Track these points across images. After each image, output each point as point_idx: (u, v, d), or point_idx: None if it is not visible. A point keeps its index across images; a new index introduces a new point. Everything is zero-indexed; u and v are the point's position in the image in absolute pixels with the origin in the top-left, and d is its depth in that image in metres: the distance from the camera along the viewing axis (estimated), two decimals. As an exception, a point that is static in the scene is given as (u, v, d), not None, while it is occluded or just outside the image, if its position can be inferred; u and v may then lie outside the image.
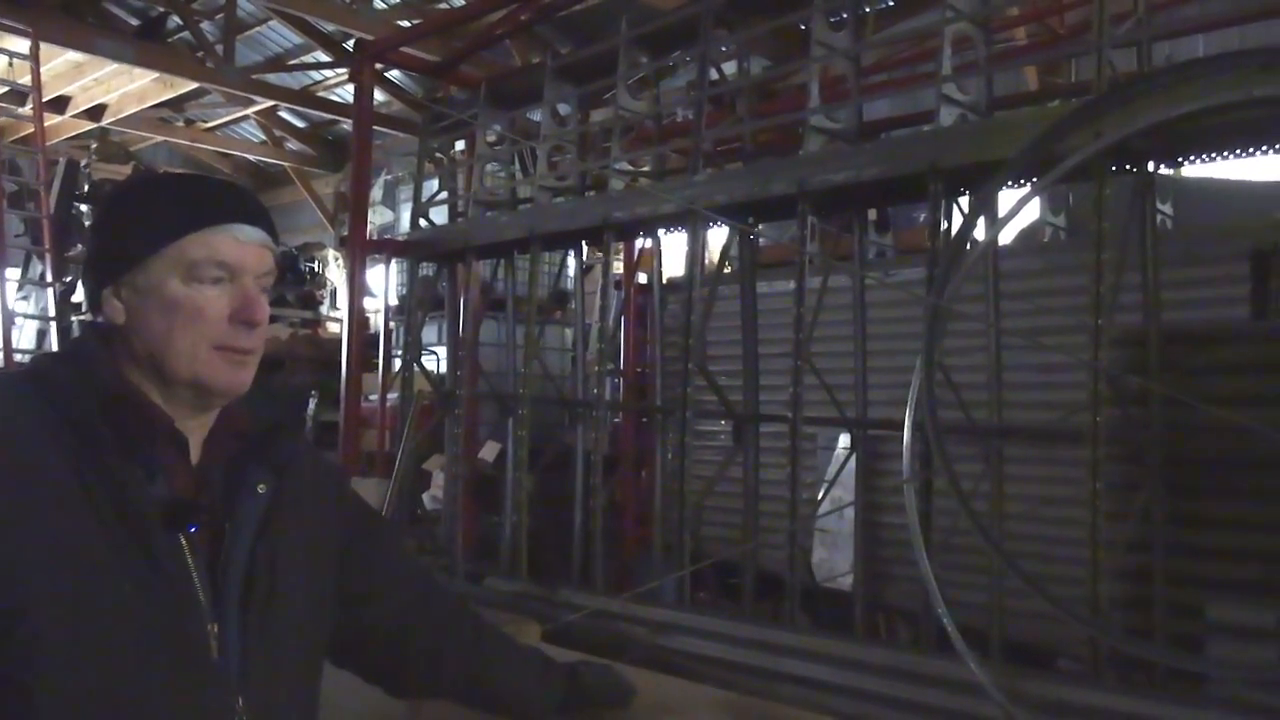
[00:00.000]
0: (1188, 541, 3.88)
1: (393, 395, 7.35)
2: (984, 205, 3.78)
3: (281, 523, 1.39)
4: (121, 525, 1.23)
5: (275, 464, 1.41)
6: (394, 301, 8.33)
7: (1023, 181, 3.84)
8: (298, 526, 1.43)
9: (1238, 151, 3.56)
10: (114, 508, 1.23)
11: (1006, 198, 3.83)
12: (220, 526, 1.34)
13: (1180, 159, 3.75)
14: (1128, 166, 3.67)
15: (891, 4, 8.31)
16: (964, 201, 4.14)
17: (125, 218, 1.36)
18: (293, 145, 15.17)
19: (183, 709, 1.26)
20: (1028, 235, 5.96)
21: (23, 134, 11.17)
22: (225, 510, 1.36)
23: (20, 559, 1.17)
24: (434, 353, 8.19)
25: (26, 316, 10.58)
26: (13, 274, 10.02)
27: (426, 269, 6.93)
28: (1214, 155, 3.62)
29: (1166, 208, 5.00)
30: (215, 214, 1.32)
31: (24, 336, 10.56)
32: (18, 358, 8.65)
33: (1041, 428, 4.11)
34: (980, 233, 3.88)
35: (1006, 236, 5.22)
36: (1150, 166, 3.65)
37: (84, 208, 11.06)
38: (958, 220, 4.01)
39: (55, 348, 9.55)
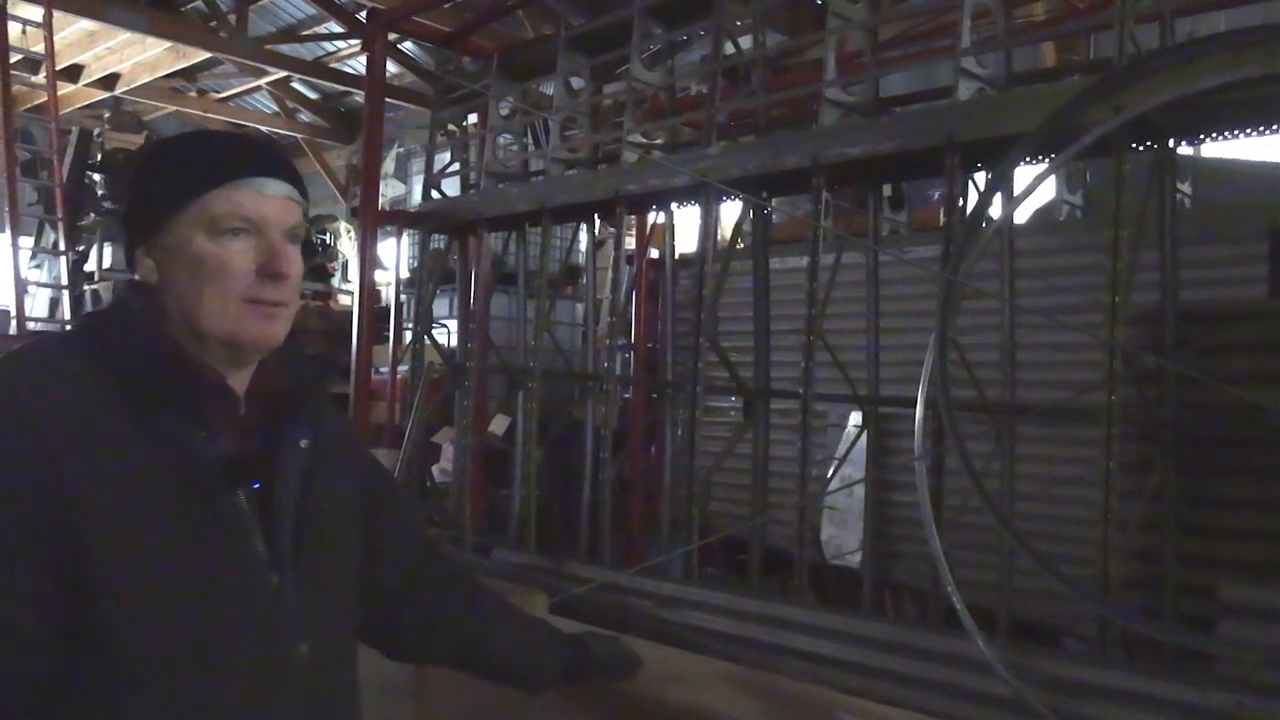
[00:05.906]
0: (1200, 521, 3.86)
1: (403, 368, 7.35)
2: (1000, 181, 3.74)
3: (321, 476, 1.42)
4: (183, 482, 1.25)
5: (311, 419, 1.44)
6: (405, 274, 8.31)
7: (1040, 157, 3.80)
8: (332, 479, 1.46)
9: (1260, 129, 3.51)
10: (174, 464, 1.25)
11: (1023, 175, 3.79)
12: (269, 481, 1.36)
13: (1201, 136, 3.70)
14: (1147, 142, 3.62)
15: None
16: (980, 179, 4.10)
17: (153, 177, 1.37)
18: (305, 117, 15.12)
19: (250, 659, 1.28)
20: (1043, 213, 5.90)
21: (36, 103, 11.14)
22: (272, 465, 1.38)
23: (92, 518, 1.18)
24: (444, 326, 8.19)
25: (39, 285, 10.63)
26: (26, 243, 10.04)
27: (438, 241, 6.90)
28: (1235, 132, 3.58)
29: (1185, 187, 4.94)
30: (237, 169, 1.32)
31: (37, 305, 10.61)
32: (30, 325, 8.68)
33: (1054, 406, 4.08)
34: (996, 209, 3.84)
35: (1022, 215, 5.17)
36: (1170, 143, 3.60)
37: (97, 177, 11.06)
38: (973, 197, 3.97)
39: (67, 316, 9.58)
